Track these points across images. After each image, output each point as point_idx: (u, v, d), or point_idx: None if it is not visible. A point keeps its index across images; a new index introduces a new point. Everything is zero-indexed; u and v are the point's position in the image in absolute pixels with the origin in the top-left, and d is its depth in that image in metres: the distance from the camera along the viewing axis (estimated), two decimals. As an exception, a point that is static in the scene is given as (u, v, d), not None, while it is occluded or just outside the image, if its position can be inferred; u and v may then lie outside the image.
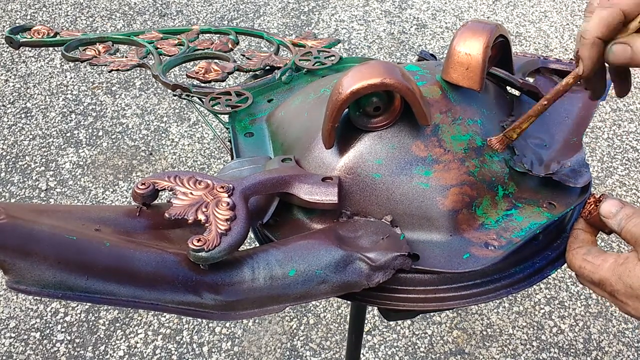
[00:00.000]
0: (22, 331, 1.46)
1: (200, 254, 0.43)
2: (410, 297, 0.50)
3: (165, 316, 1.50)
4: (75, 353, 1.42)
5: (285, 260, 0.46)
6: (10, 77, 2.22)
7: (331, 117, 0.50)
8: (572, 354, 1.43)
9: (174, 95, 0.70)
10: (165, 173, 0.49)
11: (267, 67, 0.75)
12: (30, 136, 1.99)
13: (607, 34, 0.47)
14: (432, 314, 1.49)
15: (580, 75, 0.50)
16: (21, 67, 2.26)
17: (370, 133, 0.53)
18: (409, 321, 1.50)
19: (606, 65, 0.50)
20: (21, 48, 0.81)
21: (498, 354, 1.43)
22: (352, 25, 2.49)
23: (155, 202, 0.49)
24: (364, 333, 1.45)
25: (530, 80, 0.68)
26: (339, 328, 1.49)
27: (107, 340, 1.45)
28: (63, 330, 1.46)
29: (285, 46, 0.79)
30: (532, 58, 0.71)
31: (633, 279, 0.45)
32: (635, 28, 0.46)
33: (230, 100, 0.69)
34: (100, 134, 2.00)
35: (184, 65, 0.84)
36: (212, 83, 0.74)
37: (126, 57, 0.77)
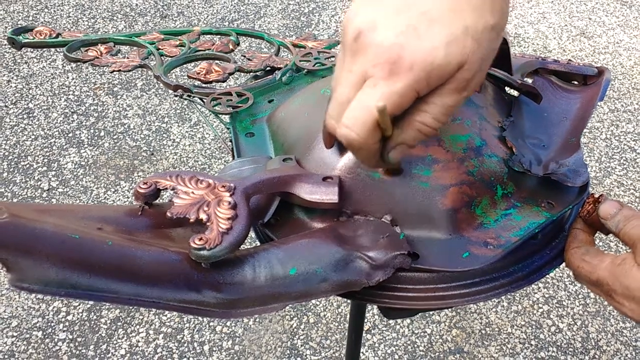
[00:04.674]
0: (24, 330, 1.46)
1: (201, 252, 0.43)
2: (409, 296, 0.50)
3: (166, 315, 1.50)
4: (77, 352, 1.42)
5: (286, 259, 0.47)
6: (12, 77, 2.23)
7: (331, 117, 0.50)
8: (570, 353, 1.44)
9: (175, 96, 0.71)
10: (167, 172, 0.49)
11: (268, 68, 0.76)
12: (33, 136, 1.99)
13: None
14: (431, 312, 1.49)
15: None
16: (23, 68, 2.27)
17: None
18: (408, 320, 1.50)
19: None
20: (23, 49, 0.81)
21: (497, 353, 1.44)
22: (352, 25, 2.49)
23: (157, 201, 0.49)
24: (364, 332, 1.46)
25: (529, 80, 0.68)
26: (339, 327, 1.49)
27: (108, 339, 1.45)
28: (65, 329, 1.47)
29: (286, 47, 0.80)
30: (531, 59, 0.72)
31: (630, 280, 0.45)
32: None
33: (231, 100, 0.69)
34: (102, 134, 2.00)
35: (185, 66, 0.85)
36: (213, 84, 0.74)
37: (128, 57, 0.77)
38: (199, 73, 0.74)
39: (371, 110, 0.40)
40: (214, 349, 1.44)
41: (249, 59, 0.78)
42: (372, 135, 0.42)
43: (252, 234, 0.51)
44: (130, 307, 1.49)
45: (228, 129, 0.67)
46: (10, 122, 2.04)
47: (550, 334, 1.47)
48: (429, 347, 1.45)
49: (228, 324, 1.49)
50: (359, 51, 0.40)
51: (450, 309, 1.51)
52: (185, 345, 1.44)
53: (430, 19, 0.39)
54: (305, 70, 0.74)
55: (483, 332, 1.48)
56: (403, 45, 0.39)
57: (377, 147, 0.44)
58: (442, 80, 0.40)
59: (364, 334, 1.40)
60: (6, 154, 1.92)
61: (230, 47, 0.80)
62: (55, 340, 1.45)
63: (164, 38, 0.81)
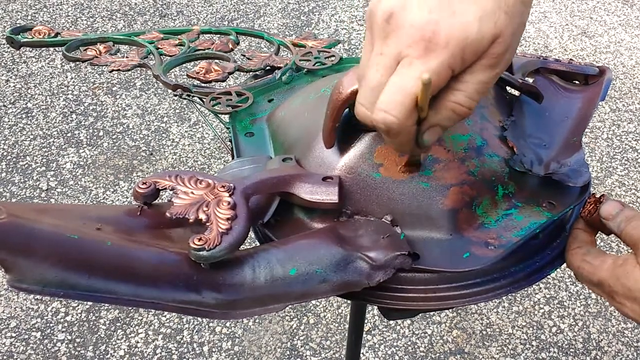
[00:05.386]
0: (23, 331, 1.46)
1: (201, 253, 0.43)
2: (410, 296, 0.50)
3: (165, 316, 1.50)
4: (76, 353, 1.42)
5: (286, 259, 0.47)
6: (11, 77, 2.23)
7: (332, 116, 0.50)
8: (571, 354, 1.43)
9: (175, 96, 0.70)
10: (166, 172, 0.49)
11: (268, 67, 0.76)
12: (31, 136, 1.99)
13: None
14: (432, 313, 1.49)
15: None
16: (22, 68, 2.27)
17: (371, 133, 0.53)
18: (408, 321, 1.50)
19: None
20: (22, 48, 0.81)
21: (498, 354, 1.43)
22: (352, 25, 2.49)
23: (156, 201, 0.49)
24: (364, 333, 1.45)
25: (530, 80, 0.68)
26: (339, 328, 1.49)
27: (107, 340, 1.45)
28: (64, 329, 1.47)
29: (286, 46, 0.79)
30: (532, 58, 0.71)
31: (631, 281, 0.45)
32: None
33: (231, 100, 0.69)
34: (101, 134, 2.00)
35: (184, 65, 0.84)
36: (213, 83, 0.74)
37: (127, 57, 0.77)
38: (198, 72, 0.74)
39: (409, 91, 0.40)
40: (214, 349, 1.44)
41: (248, 58, 0.78)
42: (410, 117, 0.41)
43: (252, 234, 0.51)
44: (129, 308, 1.49)
45: (228, 128, 0.67)
46: (8, 121, 2.04)
47: (551, 334, 1.47)
48: (429, 348, 1.44)
49: (228, 324, 1.48)
50: (392, 33, 0.40)
51: (451, 310, 1.51)
52: (185, 346, 1.44)
53: None
54: (305, 69, 0.73)
55: (484, 332, 1.48)
56: (438, 21, 0.39)
57: (414, 130, 0.43)
58: (476, 55, 0.40)
59: (364, 335, 1.40)
60: (4, 154, 1.92)
61: (230, 46, 0.80)
62: (54, 341, 1.44)
63: (163, 37, 0.81)
